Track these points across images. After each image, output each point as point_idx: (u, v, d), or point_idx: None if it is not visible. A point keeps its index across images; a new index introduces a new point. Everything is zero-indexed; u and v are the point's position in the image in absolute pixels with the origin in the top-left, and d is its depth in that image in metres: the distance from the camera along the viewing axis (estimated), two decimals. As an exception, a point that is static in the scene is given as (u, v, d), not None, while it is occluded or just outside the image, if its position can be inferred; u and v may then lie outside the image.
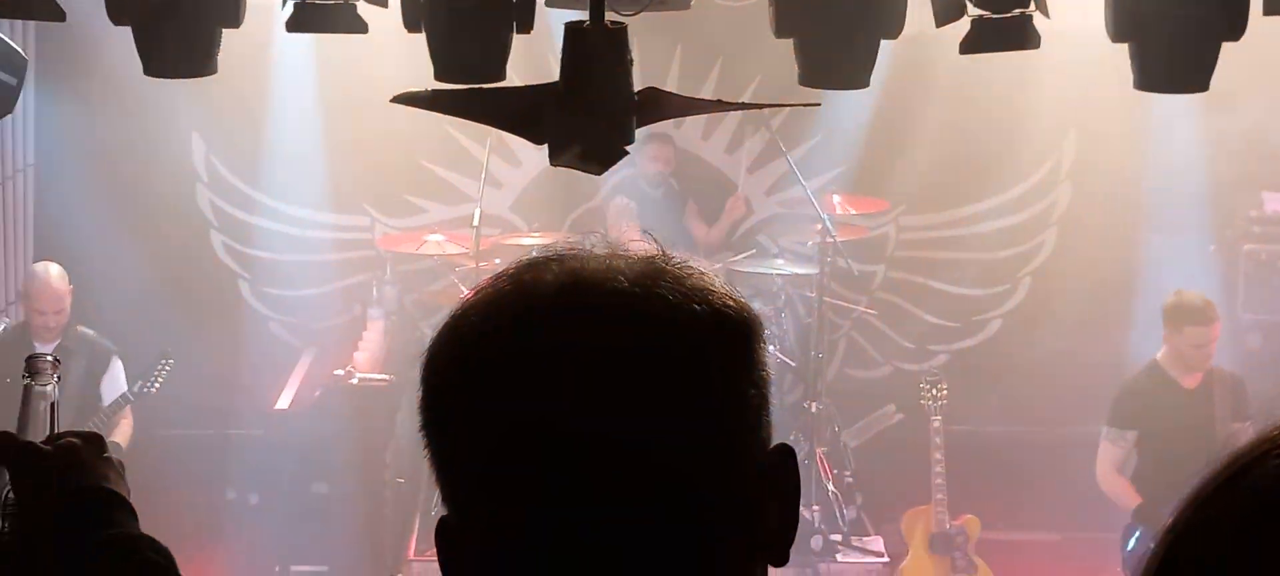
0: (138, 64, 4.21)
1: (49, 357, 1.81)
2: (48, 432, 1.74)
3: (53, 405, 1.77)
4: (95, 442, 1.69)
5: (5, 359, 6.81)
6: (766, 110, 8.43)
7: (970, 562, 7.48)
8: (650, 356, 1.22)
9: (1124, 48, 4.23)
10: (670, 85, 8.92)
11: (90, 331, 7.31)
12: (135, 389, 6.92)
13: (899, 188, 9.17)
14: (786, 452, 1.28)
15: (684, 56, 9.00)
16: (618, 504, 1.20)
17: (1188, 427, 6.90)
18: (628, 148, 3.53)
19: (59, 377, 1.79)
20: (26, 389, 1.76)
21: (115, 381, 7.05)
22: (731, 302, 1.28)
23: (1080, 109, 8.95)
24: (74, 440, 1.68)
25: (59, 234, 9.12)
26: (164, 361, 7.02)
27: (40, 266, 7.43)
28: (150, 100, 8.23)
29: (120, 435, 6.95)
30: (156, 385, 6.96)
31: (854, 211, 8.64)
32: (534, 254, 1.35)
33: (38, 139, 8.82)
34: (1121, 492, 7.10)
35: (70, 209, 9.15)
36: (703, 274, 1.30)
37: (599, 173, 3.72)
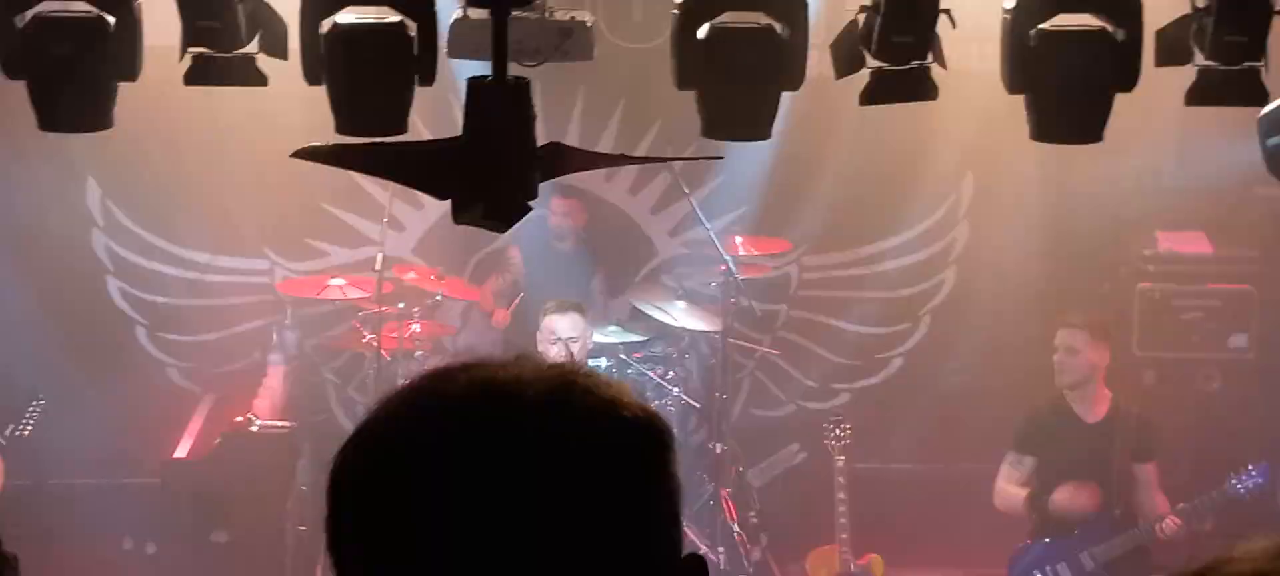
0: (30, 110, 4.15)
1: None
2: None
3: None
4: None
5: None
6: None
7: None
8: (559, 475, 1.21)
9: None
10: (573, 128, 8.96)
11: None
12: (7, 432, 6.69)
13: (801, 228, 9.24)
14: (698, 564, 1.28)
15: (586, 98, 9.01)
16: None
17: (1085, 462, 7.00)
18: (531, 203, 3.53)
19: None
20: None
21: None
22: (641, 414, 1.28)
23: (978, 149, 9.07)
24: None
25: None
26: (35, 402, 6.79)
27: None
28: (45, 143, 8.07)
29: None
30: (29, 428, 6.73)
31: (756, 252, 8.69)
32: (444, 362, 1.35)
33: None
34: (1013, 502, 7.18)
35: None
36: (611, 384, 1.30)
37: (501, 231, 3.71)
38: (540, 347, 6.83)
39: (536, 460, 1.21)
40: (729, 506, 8.09)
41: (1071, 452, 7.05)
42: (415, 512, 1.21)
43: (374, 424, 1.29)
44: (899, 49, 4.14)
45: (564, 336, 6.70)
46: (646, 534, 1.25)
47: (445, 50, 4.22)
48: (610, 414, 1.25)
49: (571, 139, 8.97)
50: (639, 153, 9.02)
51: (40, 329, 9.08)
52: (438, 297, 8.65)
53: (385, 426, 1.28)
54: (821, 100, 7.56)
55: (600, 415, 1.25)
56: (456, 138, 3.60)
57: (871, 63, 4.26)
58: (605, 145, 9.03)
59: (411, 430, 1.26)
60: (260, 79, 4.07)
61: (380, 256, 7.95)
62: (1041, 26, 4.17)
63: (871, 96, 4.28)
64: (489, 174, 3.48)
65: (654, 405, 7.35)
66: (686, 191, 8.46)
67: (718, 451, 8.16)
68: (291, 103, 7.03)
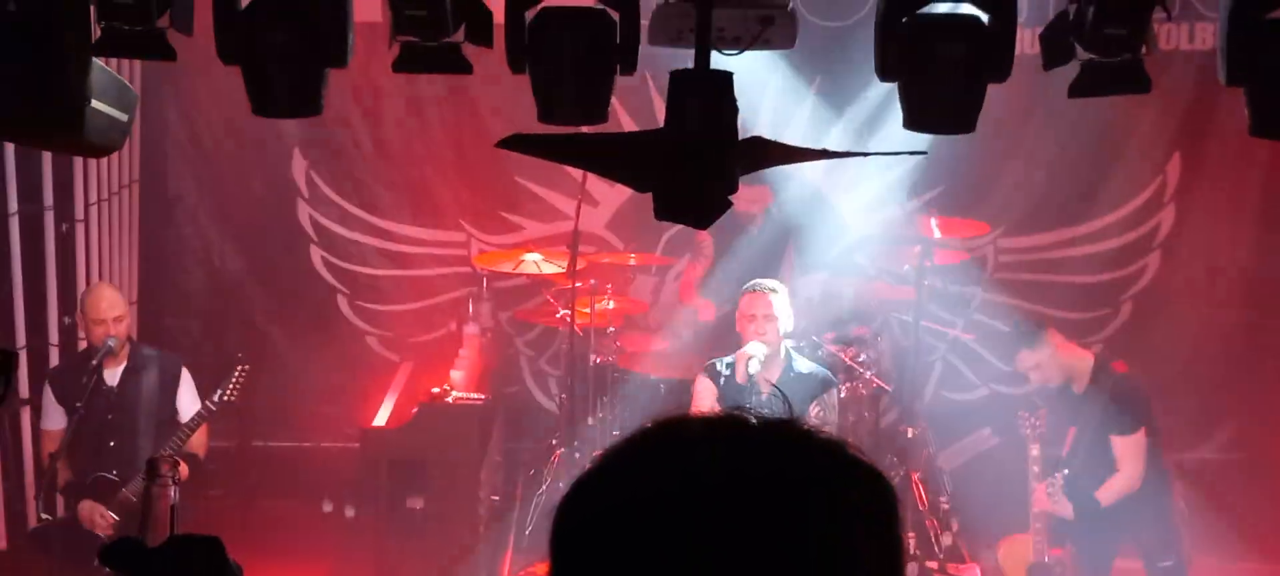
0: (241, 86, 4.26)
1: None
2: (169, 533, 1.75)
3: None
4: (213, 547, 1.70)
5: (76, 382, 6.86)
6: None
7: (1067, 593, 7.37)
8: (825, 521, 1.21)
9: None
10: (766, 105, 8.91)
11: (153, 348, 7.31)
12: (215, 398, 6.84)
13: (998, 209, 9.07)
14: None
15: (782, 75, 8.93)
16: None
17: None
18: (732, 198, 3.52)
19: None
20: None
21: (189, 393, 7.03)
22: (874, 466, 1.28)
23: (1186, 130, 8.81)
24: (192, 544, 1.70)
25: (161, 247, 9.30)
26: (240, 368, 6.92)
27: (98, 284, 7.48)
28: (252, 116, 8.33)
29: (197, 446, 6.95)
30: (235, 393, 6.90)
31: (952, 233, 8.54)
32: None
33: (143, 153, 8.98)
34: None
35: (174, 223, 9.33)
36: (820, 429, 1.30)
37: (702, 226, 3.70)
38: (738, 327, 6.79)
39: (807, 506, 1.21)
40: (919, 490, 8.00)
41: None
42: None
43: (608, 475, 1.28)
44: (1112, 40, 4.02)
45: (760, 314, 6.65)
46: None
47: (646, 38, 4.21)
48: (854, 466, 1.25)
49: (765, 116, 8.93)
50: (835, 131, 8.94)
51: (247, 295, 9.41)
52: (631, 268, 8.73)
53: (619, 473, 1.27)
54: (1022, 79, 7.40)
55: (855, 470, 1.24)
56: (658, 129, 3.60)
57: (1081, 55, 4.14)
58: (800, 120, 8.98)
59: (653, 483, 1.25)
60: (465, 67, 4.12)
61: (575, 230, 8.00)
62: (914, 14, 4.03)
63: (1082, 88, 4.16)
64: (690, 168, 3.47)
65: (845, 387, 7.33)
66: (882, 171, 8.36)
67: (909, 435, 8.06)
68: (491, 83, 7.19)
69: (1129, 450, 6.80)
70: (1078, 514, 6.88)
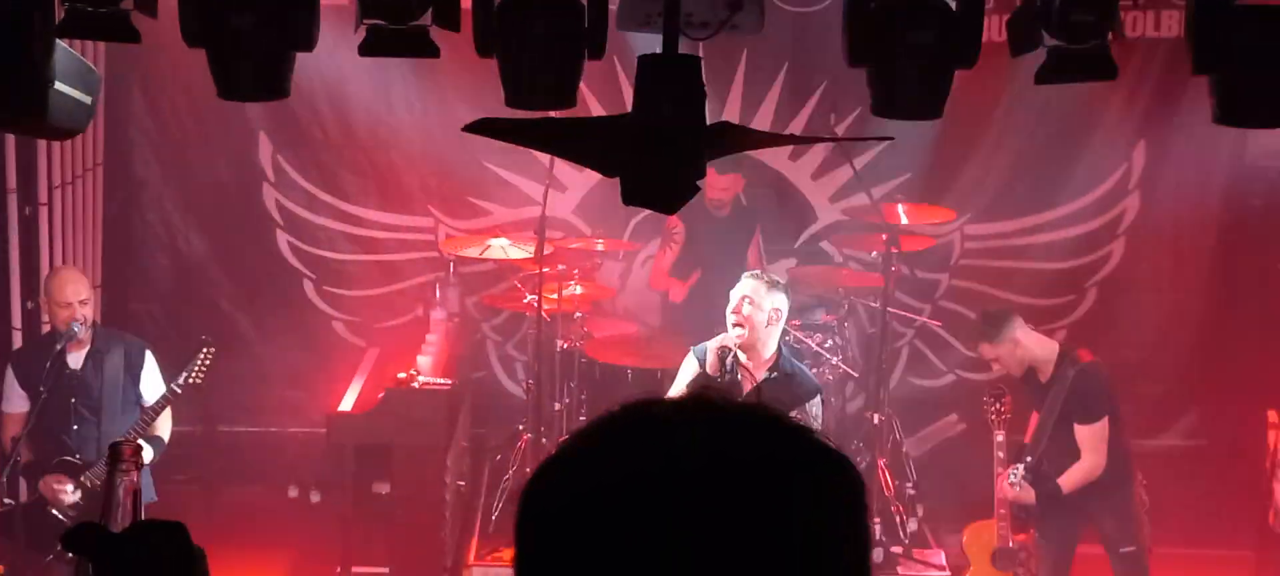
0: (206, 69, 4.23)
1: (131, 445, 1.81)
2: (130, 521, 1.74)
3: (136, 493, 1.77)
4: (176, 533, 1.68)
5: (39, 366, 6.82)
6: (836, 126, 8.35)
7: (1032, 578, 7.42)
8: (789, 506, 1.21)
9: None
10: (735, 88, 8.92)
11: (116, 330, 7.28)
12: (180, 381, 6.79)
13: (964, 196, 9.10)
14: None
15: (749, 59, 8.96)
16: None
17: None
18: (700, 183, 3.51)
19: (140, 466, 1.79)
20: (109, 478, 1.76)
21: (153, 376, 6.98)
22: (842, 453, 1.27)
23: (1151, 118, 8.86)
24: (155, 530, 1.68)
25: (126, 231, 9.24)
26: (206, 351, 6.87)
27: (62, 267, 7.42)
28: (218, 100, 8.28)
29: (161, 429, 6.90)
30: (200, 376, 6.85)
31: (919, 219, 8.58)
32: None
33: (108, 136, 8.91)
34: None
35: (138, 206, 9.27)
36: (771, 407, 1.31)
37: (670, 211, 3.69)
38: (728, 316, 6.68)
39: (773, 490, 1.20)
40: (885, 476, 8.02)
41: None
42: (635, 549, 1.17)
43: (579, 459, 1.26)
44: (1080, 27, 4.03)
45: (742, 302, 6.54)
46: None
47: (614, 22, 4.20)
48: (826, 452, 1.25)
49: (734, 100, 8.95)
50: (803, 115, 8.96)
51: (212, 279, 9.36)
52: (599, 254, 8.73)
53: (591, 456, 1.26)
54: (988, 65, 7.43)
55: (828, 455, 1.24)
56: (626, 114, 3.59)
57: (1048, 41, 4.15)
58: (768, 106, 8.99)
59: (624, 462, 1.23)
60: (433, 51, 4.10)
61: (542, 217, 7.98)
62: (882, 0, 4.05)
63: (1049, 75, 4.17)
64: (658, 153, 3.47)
65: (812, 373, 7.33)
66: (849, 157, 8.37)
67: (875, 421, 8.09)
68: (459, 68, 7.14)
69: (1091, 439, 6.85)
70: (1039, 500, 6.93)
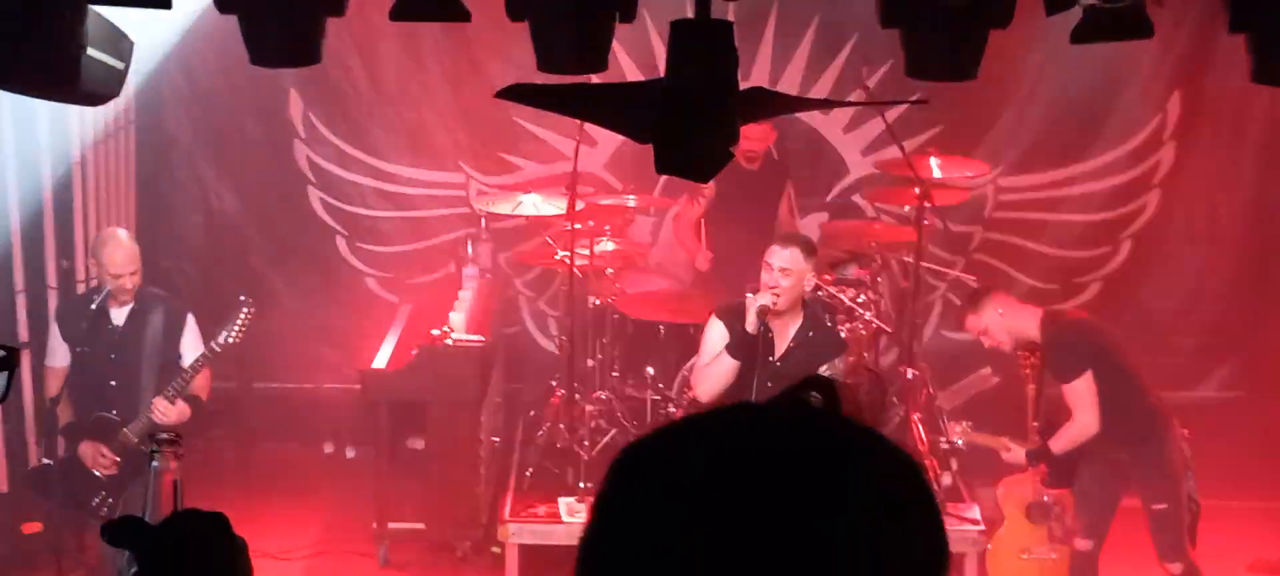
0: (237, 30, 4.22)
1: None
2: (173, 509, 1.75)
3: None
4: (219, 523, 1.69)
5: (78, 323, 6.85)
6: (867, 77, 8.30)
7: (1068, 531, 7.40)
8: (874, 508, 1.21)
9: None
10: (766, 41, 8.88)
11: (160, 290, 7.28)
12: (219, 340, 6.77)
13: (997, 148, 9.05)
14: None
15: (780, 10, 8.90)
16: None
17: None
18: (732, 149, 3.49)
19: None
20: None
21: (192, 338, 6.98)
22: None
23: (1186, 68, 8.78)
24: (196, 520, 1.69)
25: (159, 189, 9.27)
26: (245, 309, 6.86)
27: (110, 230, 7.41)
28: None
29: (199, 388, 6.92)
30: (238, 334, 6.83)
31: (952, 172, 8.52)
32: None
33: (139, 95, 8.92)
34: None
35: (170, 165, 9.30)
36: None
37: (703, 180, 3.68)
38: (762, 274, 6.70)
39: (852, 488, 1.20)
40: (919, 430, 8.01)
41: None
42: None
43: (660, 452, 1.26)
44: (1115, -14, 3.99)
45: (777, 266, 6.57)
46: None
47: (646, -16, 4.17)
48: (898, 452, 1.24)
49: (764, 53, 8.91)
50: (833, 69, 8.91)
51: (245, 237, 9.39)
52: (630, 209, 8.71)
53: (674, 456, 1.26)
54: (1022, 18, 7.37)
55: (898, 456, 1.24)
56: (658, 80, 3.57)
57: (1084, 0, 4.11)
58: (798, 61, 8.95)
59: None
60: (464, 14, 4.07)
61: (574, 172, 7.97)
62: None
63: (1084, 34, 4.12)
64: (691, 119, 3.45)
65: (845, 328, 7.32)
66: (880, 111, 8.33)
67: (909, 375, 8.07)
68: (490, 25, 7.10)
69: (1075, 396, 6.76)
70: (1031, 459, 6.91)
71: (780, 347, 6.67)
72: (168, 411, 6.67)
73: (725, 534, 1.16)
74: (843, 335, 7.28)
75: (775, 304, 6.52)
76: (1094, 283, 9.22)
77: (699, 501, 1.18)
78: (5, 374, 1.48)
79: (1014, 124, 9.07)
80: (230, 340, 6.82)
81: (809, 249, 6.68)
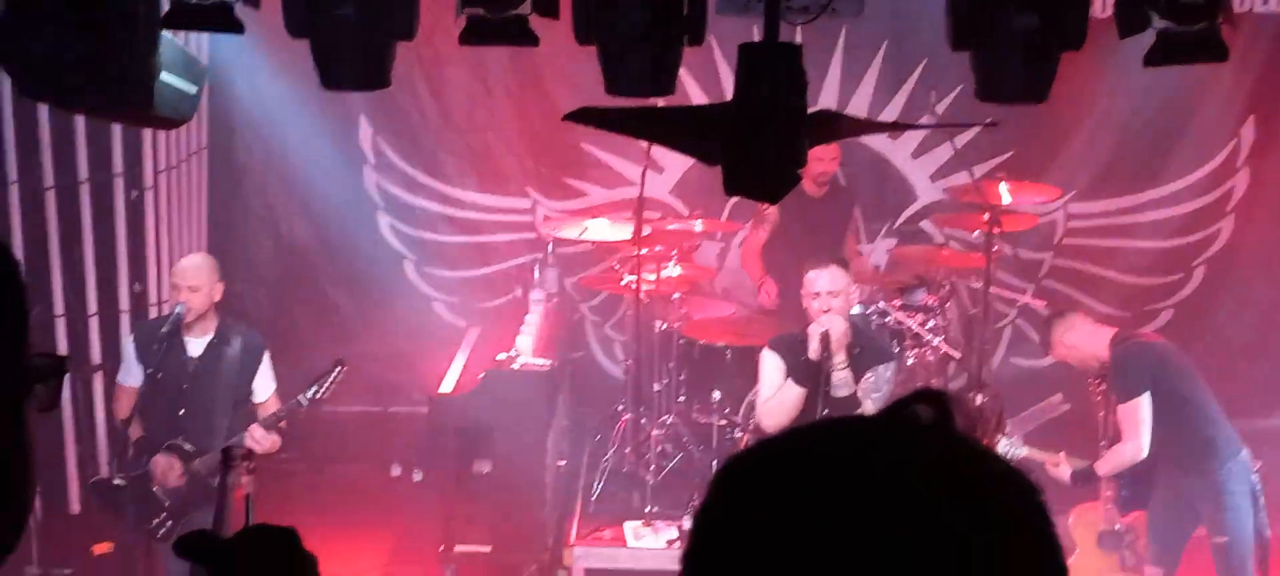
0: (308, 56, 4.26)
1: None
2: (244, 525, 1.75)
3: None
4: (288, 538, 1.69)
5: (151, 346, 6.84)
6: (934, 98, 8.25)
7: (1139, 560, 7.30)
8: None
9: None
10: (834, 66, 8.85)
11: (241, 324, 7.25)
12: (309, 395, 6.75)
13: (1068, 174, 8.97)
14: None
15: (849, 35, 8.88)
16: None
17: None
18: (800, 172, 3.48)
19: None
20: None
21: (266, 376, 6.96)
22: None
23: (1261, 93, 8.67)
24: (267, 536, 1.69)
25: (228, 215, 9.36)
26: (339, 369, 6.86)
27: (190, 257, 7.41)
28: (319, 82, 8.36)
29: (269, 443, 6.85)
30: (327, 393, 6.81)
31: (1021, 198, 8.45)
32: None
33: (210, 120, 9.03)
34: None
35: (241, 191, 9.39)
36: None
37: (772, 201, 3.67)
38: (804, 304, 6.73)
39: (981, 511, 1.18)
40: (988, 457, 7.93)
41: None
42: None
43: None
44: (1189, 9, 3.93)
45: (824, 290, 6.58)
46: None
47: (714, 8, 4.17)
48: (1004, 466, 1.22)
49: (833, 77, 8.88)
50: (903, 93, 8.87)
51: (314, 262, 9.47)
52: (696, 234, 8.70)
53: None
54: (1093, 41, 7.30)
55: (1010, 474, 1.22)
56: (727, 103, 3.56)
57: (1156, 23, 4.06)
58: (867, 85, 8.92)
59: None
60: (532, 39, 4.08)
61: (640, 197, 7.97)
62: None
63: (1158, 58, 4.08)
64: (760, 141, 3.44)
65: (912, 354, 7.28)
66: (950, 136, 8.28)
67: (978, 402, 8.00)
68: (557, 53, 7.15)
69: (1127, 417, 6.66)
70: (1075, 479, 6.83)
71: (842, 365, 6.64)
72: (262, 440, 6.67)
73: (839, 561, 1.14)
74: (895, 349, 7.25)
75: (837, 325, 6.52)
76: (1166, 310, 9.11)
77: (814, 525, 1.16)
78: (55, 381, 1.47)
79: (1085, 149, 8.99)
80: (319, 397, 6.81)
81: (844, 264, 6.73)
